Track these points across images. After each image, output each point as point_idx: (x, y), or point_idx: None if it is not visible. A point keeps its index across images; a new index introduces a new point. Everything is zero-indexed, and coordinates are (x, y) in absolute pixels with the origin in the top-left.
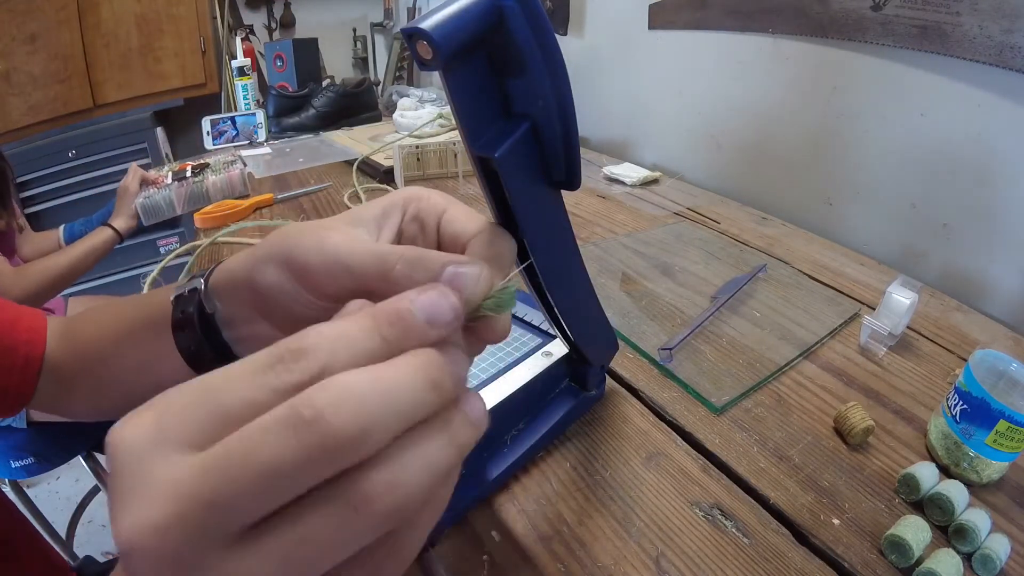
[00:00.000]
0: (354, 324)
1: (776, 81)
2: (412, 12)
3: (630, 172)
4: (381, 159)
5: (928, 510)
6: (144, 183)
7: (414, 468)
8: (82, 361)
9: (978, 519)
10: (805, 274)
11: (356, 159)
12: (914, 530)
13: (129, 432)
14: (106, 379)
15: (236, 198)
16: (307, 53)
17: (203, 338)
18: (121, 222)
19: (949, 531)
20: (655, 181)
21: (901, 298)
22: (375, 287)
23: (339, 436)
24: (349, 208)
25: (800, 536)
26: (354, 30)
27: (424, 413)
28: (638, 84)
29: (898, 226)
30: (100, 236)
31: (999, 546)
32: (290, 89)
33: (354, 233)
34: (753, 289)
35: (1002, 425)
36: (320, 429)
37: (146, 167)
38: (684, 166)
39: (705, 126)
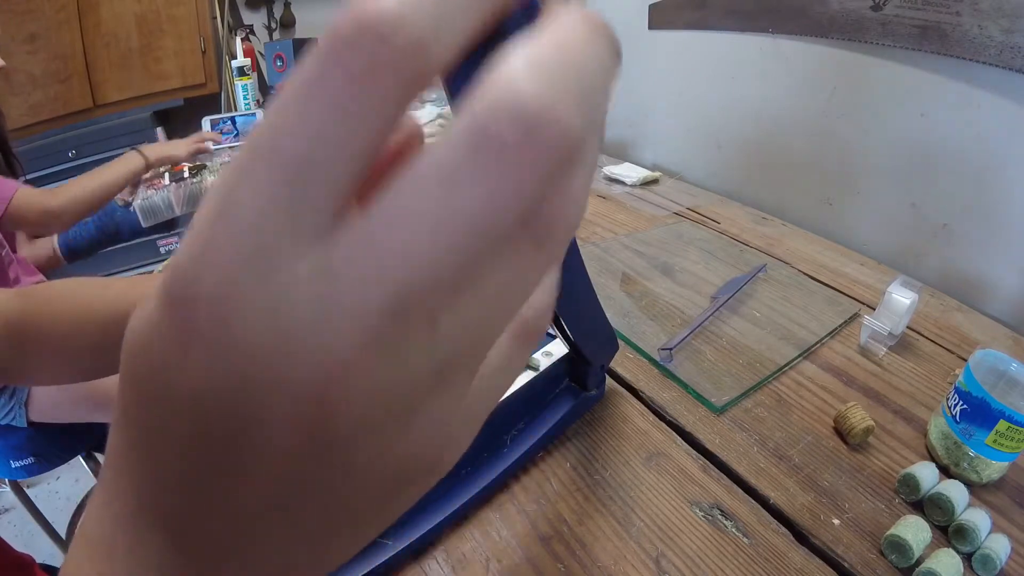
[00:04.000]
0: None
1: (776, 81)
2: None
3: (630, 172)
4: None
5: (928, 510)
6: (142, 185)
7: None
8: (41, 336)
9: (978, 519)
10: (805, 274)
11: None
12: (914, 530)
13: None
14: (70, 358)
15: None
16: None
17: None
18: (153, 152)
19: (949, 531)
20: (655, 181)
21: (901, 298)
22: None
23: None
24: None
25: (800, 536)
26: None
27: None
28: (638, 84)
29: (898, 226)
30: (131, 163)
31: (999, 546)
32: None
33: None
34: (753, 289)
35: (1002, 425)
36: None
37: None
38: (684, 166)
39: (705, 126)
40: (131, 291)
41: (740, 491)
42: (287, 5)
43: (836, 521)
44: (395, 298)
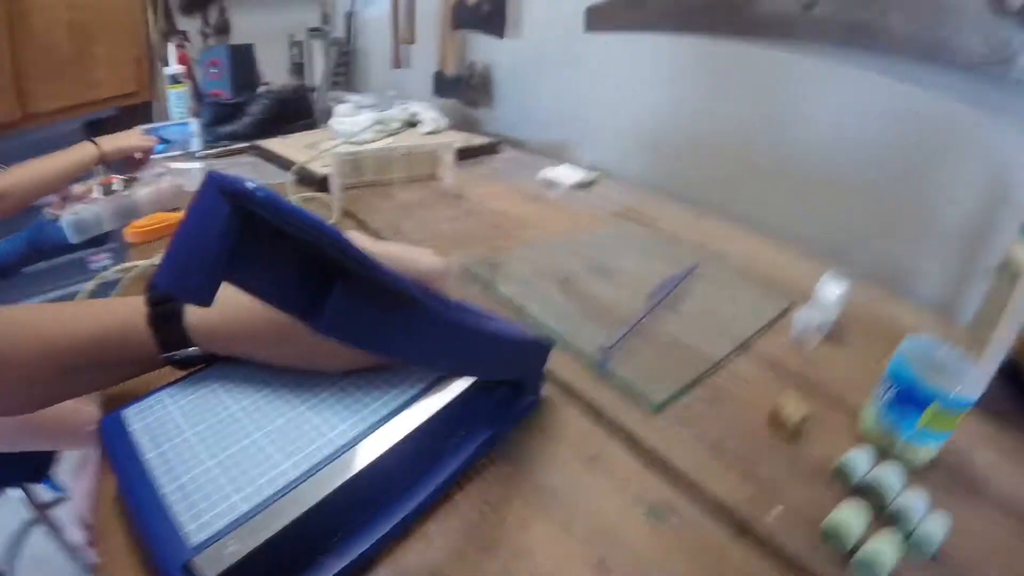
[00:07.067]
0: None
1: (711, 80)
2: (349, 18)
3: (568, 174)
4: (318, 166)
5: (865, 495)
6: (71, 199)
7: None
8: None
9: (914, 501)
10: (741, 269)
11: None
12: (852, 515)
13: None
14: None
15: (168, 211)
16: (243, 59)
17: None
18: (107, 142)
19: (886, 514)
20: (593, 182)
21: (832, 289)
22: None
23: None
24: None
25: (742, 527)
26: (291, 36)
27: None
28: (576, 86)
29: (831, 220)
30: (83, 151)
31: (936, 526)
32: (225, 96)
33: None
34: (690, 286)
35: (933, 408)
36: None
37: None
38: (622, 166)
39: (643, 127)
40: (84, 315)
41: (682, 487)
42: (222, 11)
43: (777, 510)
44: None
